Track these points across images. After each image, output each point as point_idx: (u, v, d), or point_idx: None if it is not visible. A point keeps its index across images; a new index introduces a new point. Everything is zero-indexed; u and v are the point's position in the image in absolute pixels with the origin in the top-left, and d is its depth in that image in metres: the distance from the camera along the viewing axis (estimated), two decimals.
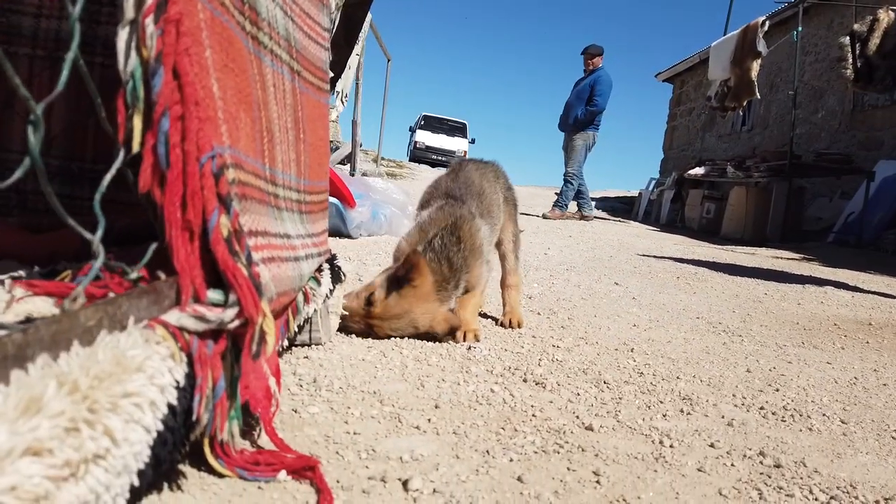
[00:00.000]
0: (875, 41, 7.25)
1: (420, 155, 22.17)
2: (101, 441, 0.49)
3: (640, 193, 12.73)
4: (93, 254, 0.60)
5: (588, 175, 8.04)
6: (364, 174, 9.23)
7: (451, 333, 1.66)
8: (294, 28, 1.17)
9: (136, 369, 0.57)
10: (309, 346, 1.41)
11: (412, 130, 24.18)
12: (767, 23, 8.24)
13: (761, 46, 8.15)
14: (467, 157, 2.15)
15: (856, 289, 3.92)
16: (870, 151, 9.00)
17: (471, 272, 1.75)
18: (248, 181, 0.89)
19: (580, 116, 7.53)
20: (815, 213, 9.17)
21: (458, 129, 23.86)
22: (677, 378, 1.51)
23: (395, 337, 1.62)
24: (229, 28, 0.87)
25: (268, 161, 1.01)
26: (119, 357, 0.56)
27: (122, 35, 0.65)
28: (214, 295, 0.71)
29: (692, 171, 9.92)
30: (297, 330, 1.28)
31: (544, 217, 7.69)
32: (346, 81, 8.31)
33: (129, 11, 0.65)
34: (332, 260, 1.51)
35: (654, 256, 5.00)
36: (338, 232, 3.87)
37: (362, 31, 8.03)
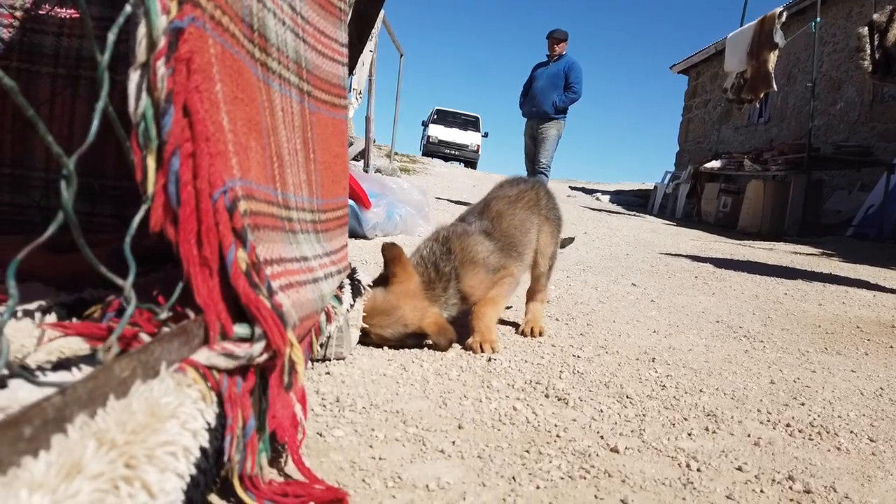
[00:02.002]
0: (894, 32, 7.13)
1: (433, 149, 22.14)
2: (139, 497, 0.49)
3: (655, 187, 12.64)
4: (125, 299, 0.60)
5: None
6: (378, 170, 9.25)
7: (444, 338, 1.62)
8: (306, 49, 1.16)
9: (169, 416, 0.57)
10: (330, 360, 1.41)
11: (425, 125, 24.13)
12: (785, 13, 8.13)
13: (778, 38, 8.05)
14: (507, 178, 2.08)
15: (877, 287, 3.87)
16: (890, 143, 8.87)
17: (462, 281, 1.73)
18: (261, 210, 0.89)
19: (559, 104, 7.20)
20: (833, 206, 9.06)
21: (470, 123, 23.78)
22: (700, 391, 1.50)
23: (391, 346, 1.61)
24: (239, 59, 0.87)
25: (279, 186, 1.01)
26: (153, 406, 0.56)
27: (134, 77, 0.65)
28: (241, 329, 0.71)
29: (708, 165, 9.82)
30: (318, 349, 1.28)
31: None
32: (360, 78, 8.31)
33: (141, 55, 0.65)
34: (352, 274, 1.51)
35: (671, 254, 4.97)
36: (353, 233, 3.87)
37: (375, 27, 8.02)
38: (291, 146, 1.13)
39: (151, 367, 0.59)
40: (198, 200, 0.74)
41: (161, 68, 0.69)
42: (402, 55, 10.32)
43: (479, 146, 23.06)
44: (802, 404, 1.45)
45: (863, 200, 8.37)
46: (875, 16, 7.25)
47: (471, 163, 22.47)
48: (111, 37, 0.60)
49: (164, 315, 0.69)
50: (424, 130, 23.83)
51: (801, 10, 10.03)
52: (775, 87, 8.20)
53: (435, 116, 23.75)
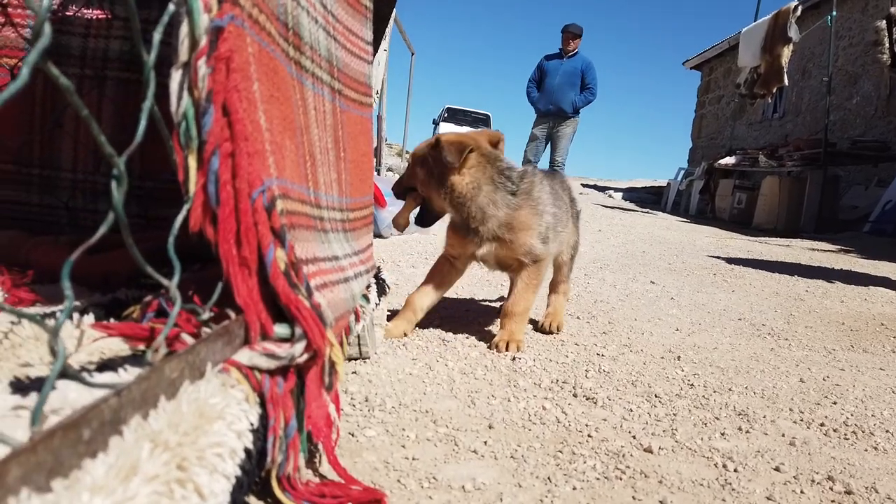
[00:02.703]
0: None
1: None
2: (191, 499, 0.49)
3: (668, 184, 12.57)
4: (171, 299, 0.60)
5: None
6: (390, 168, 9.26)
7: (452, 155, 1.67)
8: (336, 47, 1.16)
9: (216, 417, 0.57)
10: (356, 360, 1.41)
11: (436, 123, 24.11)
12: (800, 8, 8.04)
13: (793, 32, 7.96)
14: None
15: None
16: None
17: (515, 214, 1.72)
18: (296, 209, 0.89)
19: (578, 104, 7.16)
20: (850, 202, 8.96)
21: (481, 121, 23.74)
22: (730, 390, 1.48)
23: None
24: (275, 58, 0.86)
25: (311, 185, 1.00)
26: (202, 407, 0.55)
27: (176, 77, 0.65)
28: (281, 330, 0.70)
29: (722, 161, 9.75)
30: (347, 347, 1.28)
31: None
32: (376, 78, 8.31)
33: (184, 54, 0.65)
34: (377, 273, 1.51)
35: (688, 251, 4.93)
36: None
37: (388, 26, 8.03)
38: (323, 145, 1.12)
39: (198, 367, 0.58)
40: (237, 200, 0.73)
41: (202, 67, 0.69)
42: (413, 54, 10.32)
43: None
44: (834, 403, 1.43)
45: (880, 196, 8.27)
46: (893, 9, 7.15)
47: None
48: (157, 36, 0.59)
49: (205, 315, 0.68)
50: (435, 129, 23.81)
51: (816, 4, 9.92)
52: (786, 81, 8.11)
53: (445, 115, 23.73)
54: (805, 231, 7.60)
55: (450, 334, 1.81)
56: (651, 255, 4.43)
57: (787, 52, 8.13)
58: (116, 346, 0.70)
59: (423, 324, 1.85)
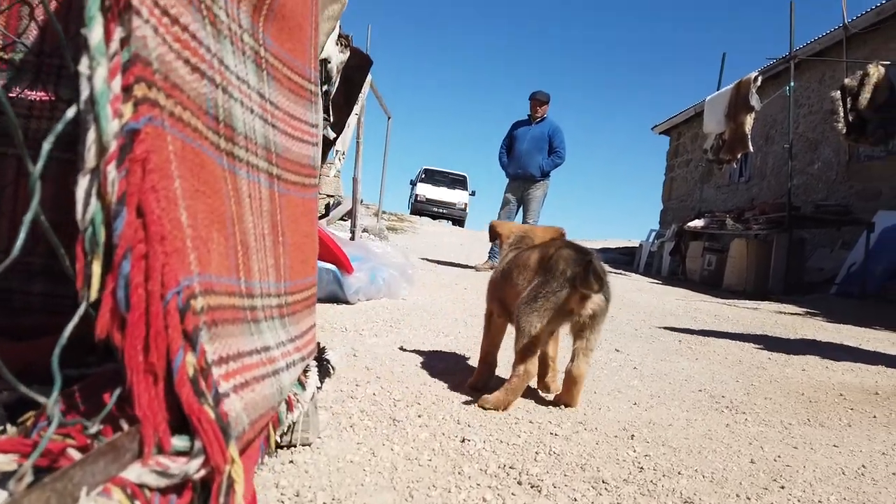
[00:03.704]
0: (866, 95, 7.37)
1: (421, 207, 22.33)
2: None
3: (640, 245, 12.74)
4: (48, 417, 0.58)
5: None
6: (365, 229, 9.27)
7: None
8: (275, 133, 1.17)
9: None
10: (296, 447, 1.37)
11: (413, 184, 24.41)
12: (760, 78, 8.39)
13: (754, 101, 8.29)
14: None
15: (860, 350, 3.86)
16: (868, 202, 9.04)
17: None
18: (220, 303, 0.87)
19: (545, 168, 7.36)
20: (816, 264, 9.14)
21: (458, 182, 24.08)
22: (679, 474, 1.46)
23: None
24: (202, 152, 0.86)
25: (243, 275, 0.99)
26: None
27: (83, 183, 0.64)
28: (179, 442, 0.68)
29: (692, 223, 9.93)
30: (278, 440, 1.24)
31: None
32: (344, 140, 8.42)
33: (91, 160, 0.64)
34: (321, 353, 1.48)
35: (656, 315, 4.95)
36: (335, 298, 3.84)
37: (363, 92, 8.19)
38: (258, 232, 1.11)
39: (70, 493, 0.55)
40: (148, 303, 0.72)
41: (112, 172, 0.68)
42: (389, 118, 10.50)
43: (466, 204, 23.28)
44: (783, 487, 1.42)
45: (844, 258, 8.46)
46: (846, 80, 7.51)
47: (458, 221, 22.64)
48: (46, 146, 0.59)
49: (93, 429, 0.65)
50: (413, 189, 24.09)
51: (776, 74, 10.36)
52: (751, 148, 8.39)
53: (423, 175, 24.05)
54: (773, 293, 7.70)
55: (402, 411, 1.77)
56: (619, 320, 4.44)
57: (749, 120, 8.44)
58: (3, 462, 0.66)
59: (377, 399, 1.82)
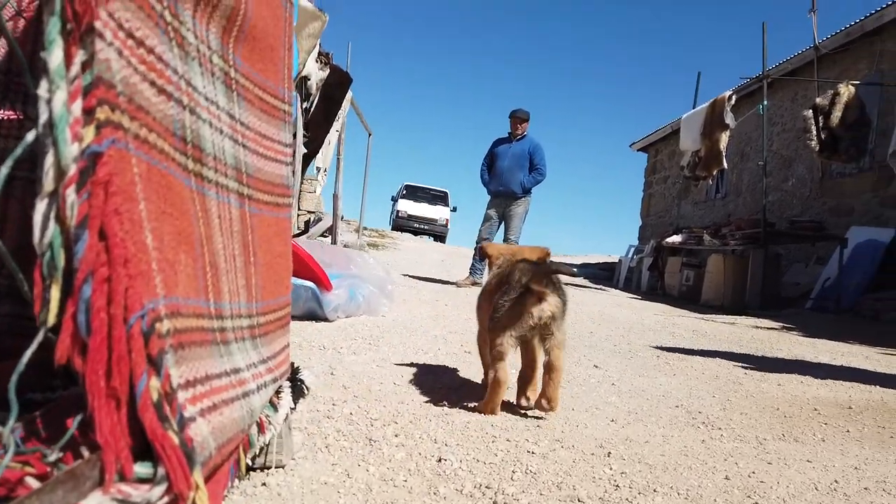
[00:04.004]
0: (837, 114, 7.53)
1: (402, 223, 22.34)
2: None
3: (619, 260, 12.84)
4: (4, 446, 0.56)
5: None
6: (346, 245, 9.24)
7: None
8: (246, 153, 1.17)
9: None
10: (269, 469, 1.35)
11: (394, 200, 24.42)
12: (734, 96, 8.55)
13: (729, 119, 8.43)
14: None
15: (835, 364, 3.91)
16: (841, 218, 9.21)
17: None
18: (188, 326, 0.86)
19: (526, 185, 7.42)
20: (792, 279, 9.27)
21: (439, 198, 24.14)
22: (654, 491, 1.46)
23: None
24: (168, 174, 0.86)
25: (212, 296, 0.98)
26: None
27: (41, 207, 0.64)
28: (142, 469, 0.66)
29: (670, 239, 10.04)
30: (249, 463, 1.22)
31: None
32: (326, 157, 8.41)
33: (49, 184, 0.64)
34: (295, 374, 1.47)
35: (635, 330, 4.98)
36: (314, 316, 3.81)
37: (343, 109, 8.20)
38: (229, 252, 1.11)
39: None
40: (110, 327, 0.71)
41: (71, 196, 0.67)
42: (370, 134, 10.53)
43: (447, 220, 23.33)
44: (756, 503, 1.43)
45: (819, 273, 8.59)
46: (818, 99, 7.67)
47: (440, 237, 22.66)
48: (4, 170, 0.58)
49: (53, 457, 0.64)
50: (394, 205, 24.10)
51: (750, 92, 10.56)
52: (725, 165, 8.52)
53: (404, 192, 24.08)
54: (750, 307, 7.79)
55: (379, 431, 1.76)
56: (598, 336, 4.46)
57: (724, 138, 8.57)
58: None
59: (354, 418, 1.80)
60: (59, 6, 0.63)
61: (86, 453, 0.66)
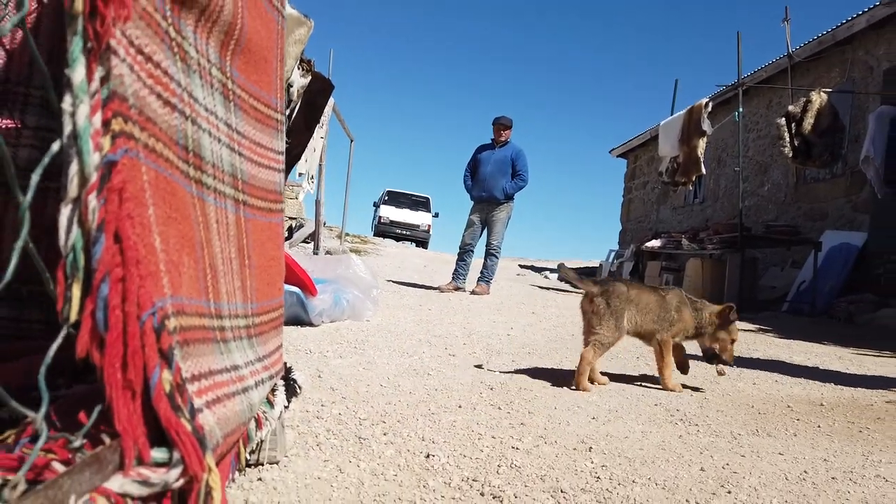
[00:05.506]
0: (809, 121, 7.72)
1: (384, 229, 22.36)
2: None
3: (600, 265, 12.99)
4: (36, 432, 0.61)
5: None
6: (328, 252, 9.26)
7: None
8: (241, 160, 1.22)
9: None
10: (263, 465, 1.40)
11: (376, 205, 24.44)
12: (711, 104, 8.72)
13: (706, 126, 8.59)
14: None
15: (809, 364, 4.03)
16: (815, 222, 9.42)
17: None
18: (192, 324, 0.91)
19: (508, 191, 7.51)
20: (768, 282, 9.46)
21: (421, 204, 24.20)
22: (633, 482, 1.53)
23: None
24: (173, 181, 0.91)
25: (212, 297, 1.03)
26: None
27: (65, 212, 0.69)
28: (158, 454, 0.72)
29: (649, 244, 10.19)
30: (248, 458, 1.27)
31: (472, 293, 7.48)
32: (311, 164, 8.43)
33: (73, 191, 0.69)
34: (287, 373, 1.52)
35: None
36: (299, 321, 3.85)
37: (325, 115, 8.23)
38: (226, 255, 1.16)
39: (60, 501, 0.59)
40: (125, 324, 0.76)
41: (92, 202, 0.73)
42: (352, 140, 10.57)
43: (429, 226, 23.38)
44: (729, 492, 1.50)
45: (795, 276, 8.78)
46: (790, 107, 7.86)
47: (422, 242, 22.71)
48: (35, 178, 0.63)
49: (77, 443, 0.69)
50: (376, 211, 24.10)
51: (726, 99, 10.77)
52: (704, 171, 8.68)
53: (386, 197, 24.10)
54: None
55: (367, 430, 1.81)
56: (579, 340, 4.51)
57: (702, 144, 8.73)
58: None
59: (343, 418, 1.85)
60: (81, 27, 0.68)
61: (106, 441, 0.71)
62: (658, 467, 1.67)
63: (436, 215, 24.05)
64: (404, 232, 22.64)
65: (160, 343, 0.78)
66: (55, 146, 0.67)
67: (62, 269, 0.69)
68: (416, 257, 14.83)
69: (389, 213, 23.12)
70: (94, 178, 0.71)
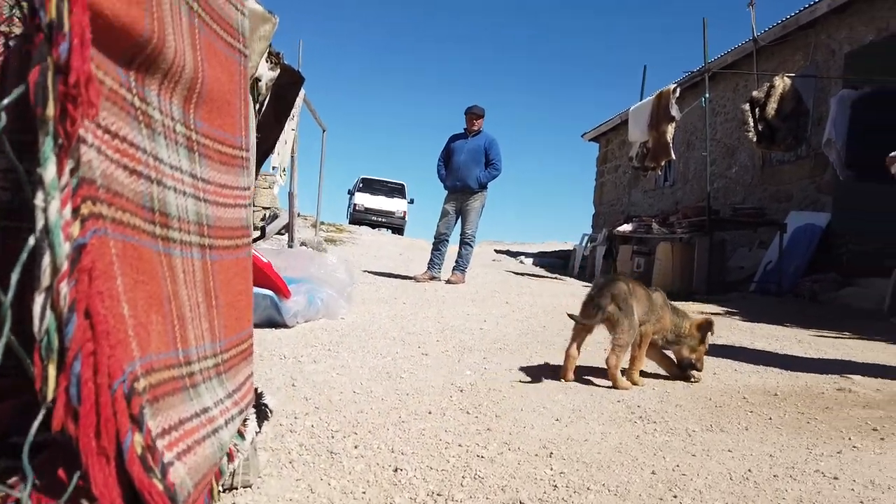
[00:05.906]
0: (773, 106, 7.89)
1: (360, 217, 22.33)
2: None
3: (574, 249, 13.16)
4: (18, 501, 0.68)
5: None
6: (303, 243, 9.27)
7: None
8: (207, 206, 1.28)
9: None
10: (237, 489, 1.47)
11: (351, 193, 24.35)
12: (679, 89, 8.84)
13: (675, 111, 8.72)
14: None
15: (768, 351, 4.19)
16: (781, 203, 9.65)
17: None
18: (161, 379, 0.98)
19: (482, 180, 7.61)
20: (737, 263, 9.70)
21: (396, 191, 24.18)
22: (588, 489, 1.64)
23: None
24: (140, 246, 0.97)
25: (181, 345, 1.10)
26: None
27: (39, 300, 0.75)
28: None
29: (621, 228, 10.37)
30: (220, 489, 1.34)
31: (448, 282, 7.59)
32: (283, 156, 8.41)
33: (46, 280, 0.75)
34: (259, 399, 1.59)
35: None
36: (274, 323, 3.91)
37: (296, 106, 8.20)
38: (193, 301, 1.22)
39: None
40: (97, 395, 0.82)
41: (64, 289, 0.79)
42: (324, 130, 10.53)
43: (405, 213, 23.39)
44: (675, 496, 1.61)
45: (762, 257, 9.02)
46: (754, 93, 8.02)
47: (398, 229, 22.73)
48: (14, 277, 0.70)
49: None
50: (351, 199, 24.03)
51: (694, 84, 10.92)
52: (674, 156, 8.84)
53: (361, 185, 24.02)
54: (698, 293, 8.14)
55: (339, 443, 1.89)
56: (551, 331, 4.66)
57: (671, 129, 8.87)
58: None
59: (316, 431, 1.93)
60: (52, 129, 0.74)
61: (83, 503, 0.78)
62: (613, 472, 1.78)
63: (411, 202, 24.06)
64: (380, 219, 22.62)
65: (131, 408, 0.85)
66: (31, 240, 0.73)
67: (38, 351, 0.76)
68: (391, 245, 14.88)
69: (364, 200, 23.07)
70: (64, 267, 0.77)
